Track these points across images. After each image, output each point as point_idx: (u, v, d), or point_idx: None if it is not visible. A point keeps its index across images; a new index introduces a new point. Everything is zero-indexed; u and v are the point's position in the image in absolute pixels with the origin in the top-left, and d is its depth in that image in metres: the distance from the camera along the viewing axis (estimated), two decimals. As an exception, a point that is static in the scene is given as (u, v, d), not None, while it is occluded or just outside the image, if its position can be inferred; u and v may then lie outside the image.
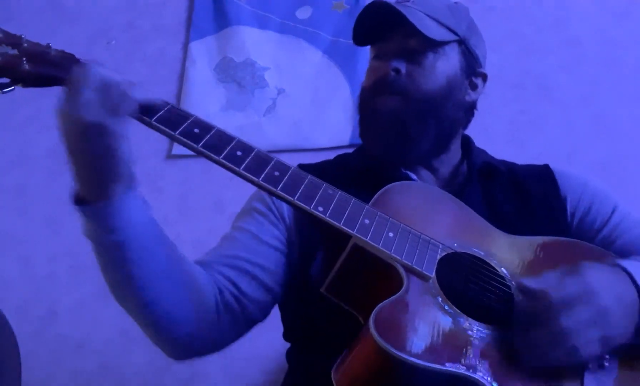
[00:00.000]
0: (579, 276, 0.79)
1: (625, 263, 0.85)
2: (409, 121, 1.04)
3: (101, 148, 0.74)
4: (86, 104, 0.72)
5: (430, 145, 1.07)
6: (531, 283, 0.78)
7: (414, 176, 1.07)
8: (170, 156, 2.07)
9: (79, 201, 0.79)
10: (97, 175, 0.77)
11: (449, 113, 1.08)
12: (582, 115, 1.93)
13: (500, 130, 1.89)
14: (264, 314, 1.03)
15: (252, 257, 1.00)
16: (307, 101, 2.12)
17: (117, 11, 2.36)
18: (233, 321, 0.96)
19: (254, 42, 2.22)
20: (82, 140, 0.74)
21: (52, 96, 2.41)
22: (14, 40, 0.76)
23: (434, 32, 1.05)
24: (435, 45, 1.06)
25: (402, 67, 1.05)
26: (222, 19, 2.26)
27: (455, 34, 1.09)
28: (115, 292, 0.89)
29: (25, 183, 2.08)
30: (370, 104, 1.09)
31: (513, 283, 0.87)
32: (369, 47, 1.18)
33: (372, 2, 1.07)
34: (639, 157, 1.84)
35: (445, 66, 1.07)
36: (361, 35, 1.13)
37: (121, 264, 0.82)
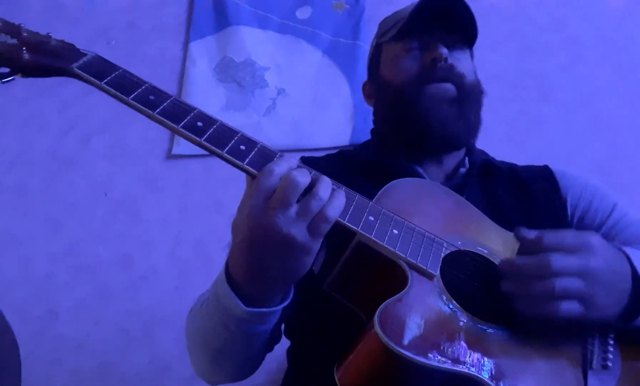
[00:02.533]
0: (582, 234, 0.78)
1: (627, 249, 0.84)
2: (468, 108, 1.07)
3: (296, 265, 0.73)
4: (294, 222, 0.70)
5: (476, 136, 1.12)
6: (529, 233, 0.79)
7: (421, 170, 1.08)
8: (170, 156, 2.07)
9: (241, 293, 0.77)
10: (277, 283, 0.77)
11: (479, 107, 1.12)
12: (581, 115, 1.93)
13: (500, 130, 1.89)
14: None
15: None
16: (307, 101, 2.12)
17: (117, 11, 2.36)
18: (272, 345, 0.99)
19: (254, 42, 2.22)
20: (280, 255, 0.72)
21: (52, 95, 2.41)
22: (13, 29, 0.74)
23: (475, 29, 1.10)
24: (465, 44, 1.12)
25: (449, 57, 1.07)
26: (222, 19, 2.27)
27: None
28: (214, 358, 0.90)
29: (25, 183, 2.08)
30: (422, 92, 1.06)
31: None
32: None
33: None
34: (638, 157, 1.84)
35: (471, 64, 1.13)
36: (418, 21, 1.09)
37: (251, 345, 0.85)
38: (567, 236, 0.77)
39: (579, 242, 0.77)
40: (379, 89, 1.17)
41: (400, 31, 1.11)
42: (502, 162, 1.17)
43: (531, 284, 0.74)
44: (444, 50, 1.06)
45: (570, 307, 0.74)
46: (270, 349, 0.99)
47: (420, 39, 1.09)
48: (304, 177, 0.70)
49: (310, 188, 0.71)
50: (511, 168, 1.15)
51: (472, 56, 1.16)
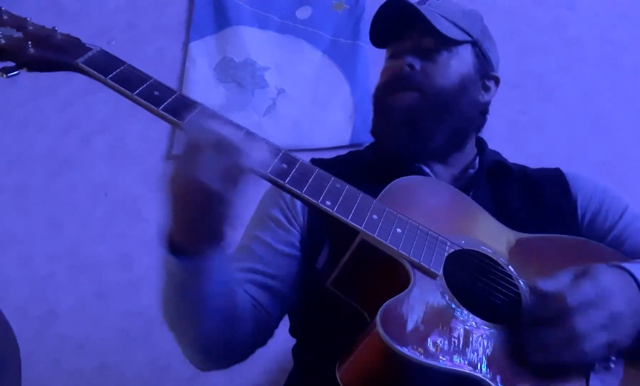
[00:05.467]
0: (593, 279, 0.77)
1: (629, 266, 0.84)
2: (423, 116, 1.05)
3: (215, 215, 0.73)
4: (208, 170, 0.69)
5: (444, 141, 1.08)
6: (546, 285, 0.76)
7: (427, 170, 1.08)
8: (170, 156, 2.07)
9: (174, 247, 0.77)
10: (202, 235, 0.76)
11: (463, 110, 1.09)
12: (581, 115, 1.93)
13: (500, 130, 1.88)
14: (280, 321, 1.06)
15: (271, 270, 1.02)
16: (307, 101, 2.12)
17: (117, 11, 2.36)
18: (259, 334, 1.00)
19: (254, 42, 2.22)
20: (198, 205, 0.72)
21: (52, 95, 2.40)
22: (19, 23, 0.74)
23: (449, 30, 1.07)
24: (449, 44, 1.08)
25: (417, 63, 1.07)
26: (222, 19, 2.26)
27: (469, 35, 1.11)
28: (173, 319, 0.90)
29: (25, 183, 2.08)
30: (385, 101, 1.10)
31: (520, 281, 0.86)
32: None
33: (389, 1, 1.08)
34: (638, 157, 1.84)
35: (459, 64, 1.09)
36: (378, 34, 1.14)
37: (194, 302, 0.83)
38: (587, 290, 0.76)
39: (598, 292, 0.76)
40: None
41: (371, 40, 1.16)
42: (515, 164, 1.17)
43: (559, 353, 0.74)
44: (407, 59, 1.07)
45: (599, 354, 0.75)
46: (262, 342, 1.01)
47: (393, 47, 1.13)
48: (226, 129, 0.71)
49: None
50: (522, 170, 1.15)
51: (476, 51, 1.13)
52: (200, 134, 0.70)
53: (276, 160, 0.77)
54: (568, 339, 0.73)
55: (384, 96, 1.11)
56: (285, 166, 0.77)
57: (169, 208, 0.75)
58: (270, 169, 0.76)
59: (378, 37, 1.15)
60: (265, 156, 0.75)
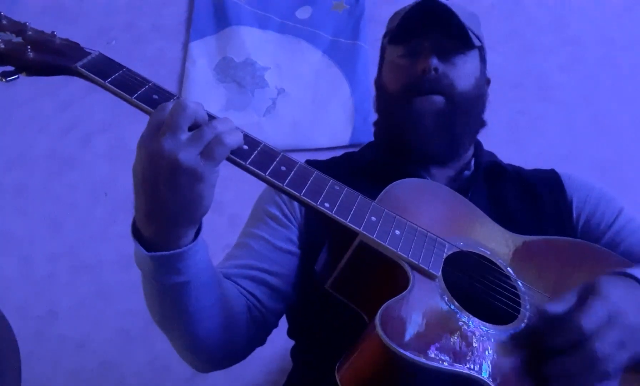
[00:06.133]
0: (603, 298, 0.76)
1: (633, 271, 0.84)
2: (455, 120, 1.06)
3: (190, 195, 0.69)
4: (183, 145, 0.67)
5: (469, 144, 1.10)
6: (556, 308, 0.75)
7: (424, 173, 1.08)
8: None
9: (145, 242, 0.74)
10: (176, 220, 0.72)
11: (480, 113, 1.12)
12: (581, 115, 1.93)
13: (500, 130, 1.89)
14: (279, 318, 1.05)
15: (268, 266, 1.00)
16: (307, 101, 2.12)
17: (117, 11, 2.36)
18: (257, 333, 0.98)
19: (254, 42, 2.22)
20: (171, 184, 0.68)
21: (52, 95, 2.41)
22: (18, 28, 0.74)
23: (472, 35, 1.07)
24: (466, 48, 1.08)
25: (440, 66, 1.06)
26: (222, 19, 2.26)
27: (479, 39, 1.12)
28: (162, 322, 0.87)
29: (25, 183, 2.08)
30: (411, 104, 1.06)
31: (519, 283, 0.87)
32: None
33: None
34: (638, 157, 1.84)
35: (472, 68, 1.10)
36: (406, 29, 1.10)
37: (178, 301, 0.79)
38: (600, 311, 0.74)
39: (610, 311, 0.75)
40: (377, 91, 1.18)
41: (392, 37, 1.12)
42: (510, 165, 1.17)
43: (584, 379, 0.73)
44: (433, 61, 1.05)
45: (620, 370, 0.75)
46: (261, 340, 1.00)
47: (413, 46, 1.09)
48: (197, 107, 0.69)
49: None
50: (518, 171, 1.15)
51: (481, 55, 1.14)
52: (182, 110, 0.68)
53: (274, 163, 0.76)
54: (591, 365, 0.72)
55: (407, 98, 1.07)
56: (284, 168, 0.77)
57: (139, 193, 0.72)
58: (269, 171, 0.75)
59: (404, 32, 1.11)
60: (240, 137, 0.73)
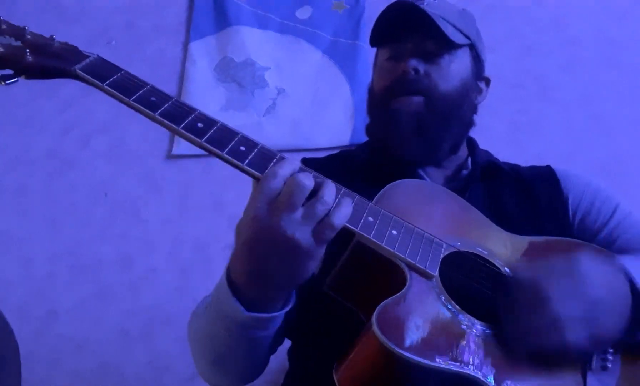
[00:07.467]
0: (570, 264, 0.78)
1: (620, 258, 0.84)
2: (432, 122, 1.05)
3: (299, 269, 0.73)
4: (299, 224, 0.69)
5: (449, 146, 1.09)
6: (522, 271, 0.78)
7: (422, 172, 1.08)
8: (170, 156, 2.07)
9: (242, 295, 0.77)
10: (281, 287, 0.77)
11: (463, 115, 1.10)
12: (581, 115, 1.93)
13: (500, 130, 1.89)
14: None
15: None
16: (307, 101, 2.12)
17: (117, 11, 2.36)
18: (276, 347, 1.01)
19: (254, 42, 2.22)
20: (284, 258, 0.71)
21: (52, 96, 2.40)
22: (17, 32, 0.75)
23: (453, 34, 1.06)
24: (451, 47, 1.07)
25: (421, 67, 1.06)
26: (222, 19, 2.27)
27: (468, 38, 1.10)
28: (219, 363, 0.91)
29: (25, 183, 2.08)
30: (389, 105, 1.07)
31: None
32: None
33: (397, 1, 1.07)
34: (638, 157, 1.84)
35: (459, 68, 1.09)
36: (380, 34, 1.12)
37: (253, 349, 0.85)
38: (559, 272, 0.77)
39: (572, 277, 0.76)
40: (368, 94, 1.19)
41: (370, 40, 1.14)
42: (506, 163, 1.16)
43: (538, 339, 0.74)
44: (412, 62, 1.05)
45: (579, 342, 0.74)
46: (274, 351, 1.00)
47: (396, 48, 1.10)
48: (308, 180, 0.70)
49: (315, 192, 0.71)
50: (514, 169, 1.15)
51: (473, 53, 1.13)
52: (296, 185, 0.69)
53: (271, 164, 0.76)
54: (547, 324, 0.73)
55: (387, 99, 1.08)
56: None
57: (243, 254, 0.74)
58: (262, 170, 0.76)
59: (379, 37, 1.14)
60: (350, 209, 0.74)
